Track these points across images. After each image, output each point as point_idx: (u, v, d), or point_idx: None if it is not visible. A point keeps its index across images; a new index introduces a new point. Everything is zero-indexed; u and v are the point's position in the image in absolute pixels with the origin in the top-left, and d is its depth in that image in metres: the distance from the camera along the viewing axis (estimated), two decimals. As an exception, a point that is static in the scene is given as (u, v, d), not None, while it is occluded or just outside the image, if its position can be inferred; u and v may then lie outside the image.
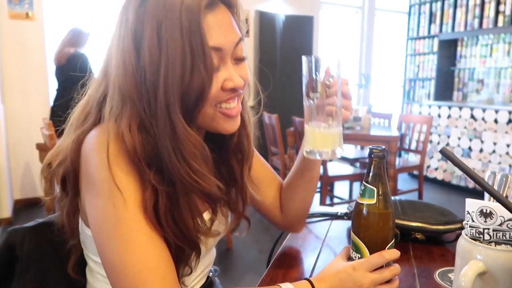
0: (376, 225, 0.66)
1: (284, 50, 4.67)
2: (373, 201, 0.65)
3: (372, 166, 0.66)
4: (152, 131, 0.61)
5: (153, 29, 0.59)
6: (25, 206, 3.68)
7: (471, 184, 4.36)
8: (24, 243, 0.79)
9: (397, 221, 0.97)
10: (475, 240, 0.59)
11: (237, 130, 0.73)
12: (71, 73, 3.37)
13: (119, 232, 0.60)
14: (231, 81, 0.65)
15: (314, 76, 0.68)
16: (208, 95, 0.62)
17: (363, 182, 0.67)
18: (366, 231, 0.67)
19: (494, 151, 4.14)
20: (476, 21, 4.51)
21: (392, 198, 1.07)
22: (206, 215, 0.76)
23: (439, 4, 4.94)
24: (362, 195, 0.67)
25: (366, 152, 4.04)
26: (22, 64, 3.63)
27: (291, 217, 0.93)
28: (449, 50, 4.92)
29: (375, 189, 0.66)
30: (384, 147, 0.67)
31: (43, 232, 0.82)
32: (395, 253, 0.68)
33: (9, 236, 0.80)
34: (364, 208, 0.66)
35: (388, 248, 0.68)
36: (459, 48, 4.91)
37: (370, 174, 0.66)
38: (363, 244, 0.66)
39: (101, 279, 0.75)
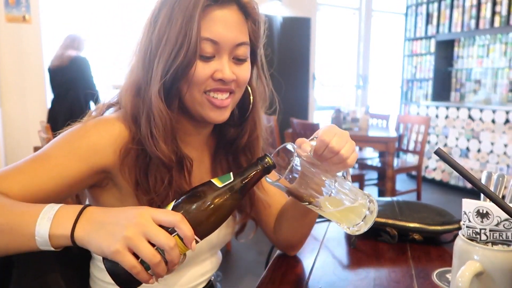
0: (211, 205, 0.58)
1: (282, 51, 4.68)
2: (220, 184, 0.59)
3: (251, 169, 0.61)
4: (142, 96, 0.70)
5: (167, 11, 0.68)
6: (23, 210, 3.67)
7: (469, 184, 4.35)
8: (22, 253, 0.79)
9: (395, 222, 0.98)
10: (472, 240, 0.59)
11: (248, 130, 0.79)
12: (76, 75, 3.40)
13: (52, 148, 0.67)
14: (221, 72, 0.70)
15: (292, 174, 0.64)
16: (185, 77, 0.68)
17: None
18: (201, 206, 0.57)
19: (492, 151, 4.15)
20: (473, 21, 4.52)
21: (390, 198, 1.08)
22: None
23: (435, 5, 4.96)
24: (219, 177, 0.61)
25: (364, 153, 4.04)
26: (19, 67, 3.63)
27: (282, 242, 0.90)
28: (446, 50, 4.94)
29: (232, 179, 0.60)
30: (274, 165, 0.62)
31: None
32: (175, 217, 0.54)
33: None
34: (209, 184, 0.60)
35: (198, 238, 0.57)
36: (456, 49, 4.92)
37: (245, 171, 0.61)
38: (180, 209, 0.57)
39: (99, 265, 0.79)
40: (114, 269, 0.54)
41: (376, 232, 0.99)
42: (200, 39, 0.67)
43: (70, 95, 3.50)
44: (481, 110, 4.22)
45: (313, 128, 3.14)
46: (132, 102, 0.71)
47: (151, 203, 0.70)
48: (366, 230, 0.67)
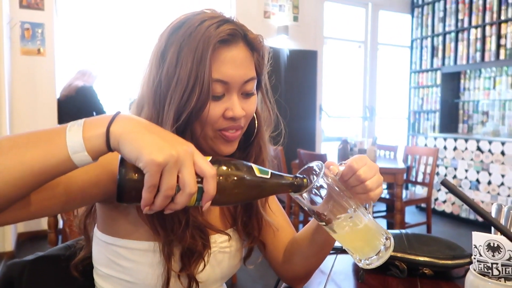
0: (241, 181, 0.59)
1: (289, 83, 4.74)
2: (258, 172, 0.60)
3: (287, 179, 0.62)
4: None
5: (175, 50, 0.67)
6: (28, 239, 3.65)
7: (480, 217, 4.26)
8: (23, 277, 0.78)
9: (404, 255, 0.95)
10: (484, 275, 0.57)
11: (253, 154, 0.79)
12: (83, 104, 3.49)
13: None
14: (231, 110, 0.70)
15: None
16: (199, 119, 0.68)
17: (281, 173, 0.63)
18: (233, 176, 0.58)
19: (502, 184, 4.08)
20: (478, 54, 4.57)
21: (398, 231, 1.06)
22: (218, 237, 0.79)
23: (440, 38, 5.04)
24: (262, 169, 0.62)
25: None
26: (32, 99, 3.70)
27: (291, 273, 0.88)
28: (452, 82, 4.97)
29: (268, 176, 0.61)
30: (307, 187, 0.63)
31: (42, 265, 0.81)
32: (211, 171, 0.53)
33: (8, 270, 0.79)
34: (249, 167, 0.61)
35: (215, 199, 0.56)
36: (462, 81, 4.95)
37: (281, 176, 0.62)
38: (224, 173, 0.58)
39: None
40: (127, 179, 0.51)
41: (384, 265, 0.96)
42: (211, 80, 0.67)
43: None
44: (490, 142, 4.19)
45: (320, 159, 3.13)
46: None
47: (169, 241, 0.70)
48: (378, 265, 0.65)
